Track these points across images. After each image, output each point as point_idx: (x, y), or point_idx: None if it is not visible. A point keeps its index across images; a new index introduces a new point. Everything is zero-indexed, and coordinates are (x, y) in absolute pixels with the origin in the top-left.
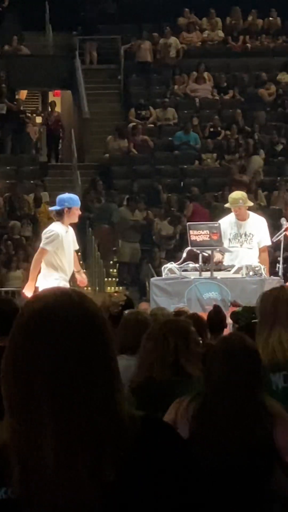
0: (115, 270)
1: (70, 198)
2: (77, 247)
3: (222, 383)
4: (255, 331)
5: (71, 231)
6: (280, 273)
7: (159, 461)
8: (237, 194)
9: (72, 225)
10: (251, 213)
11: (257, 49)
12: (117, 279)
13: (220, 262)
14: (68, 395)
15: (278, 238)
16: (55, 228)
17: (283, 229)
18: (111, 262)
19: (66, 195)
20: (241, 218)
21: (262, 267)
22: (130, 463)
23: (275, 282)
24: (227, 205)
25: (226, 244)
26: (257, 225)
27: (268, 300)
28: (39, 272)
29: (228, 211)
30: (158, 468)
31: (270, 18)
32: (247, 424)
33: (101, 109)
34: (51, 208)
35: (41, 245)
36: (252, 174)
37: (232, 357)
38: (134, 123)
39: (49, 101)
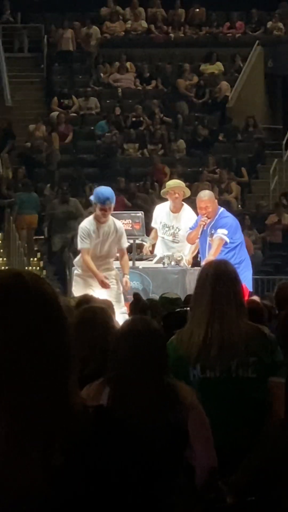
0: (35, 259)
1: (95, 193)
2: (121, 245)
3: (128, 364)
4: (175, 321)
5: (108, 226)
6: (201, 264)
7: (106, 451)
8: (178, 182)
9: None
10: (185, 206)
11: (180, 40)
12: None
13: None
14: (16, 380)
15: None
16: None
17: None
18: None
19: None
20: (175, 209)
21: (184, 257)
22: (78, 450)
23: (196, 272)
24: (163, 191)
25: (160, 232)
26: (189, 219)
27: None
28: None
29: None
30: (105, 458)
31: (195, 10)
32: (157, 408)
33: (24, 97)
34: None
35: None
36: None
37: (136, 338)
38: (57, 113)
39: None
